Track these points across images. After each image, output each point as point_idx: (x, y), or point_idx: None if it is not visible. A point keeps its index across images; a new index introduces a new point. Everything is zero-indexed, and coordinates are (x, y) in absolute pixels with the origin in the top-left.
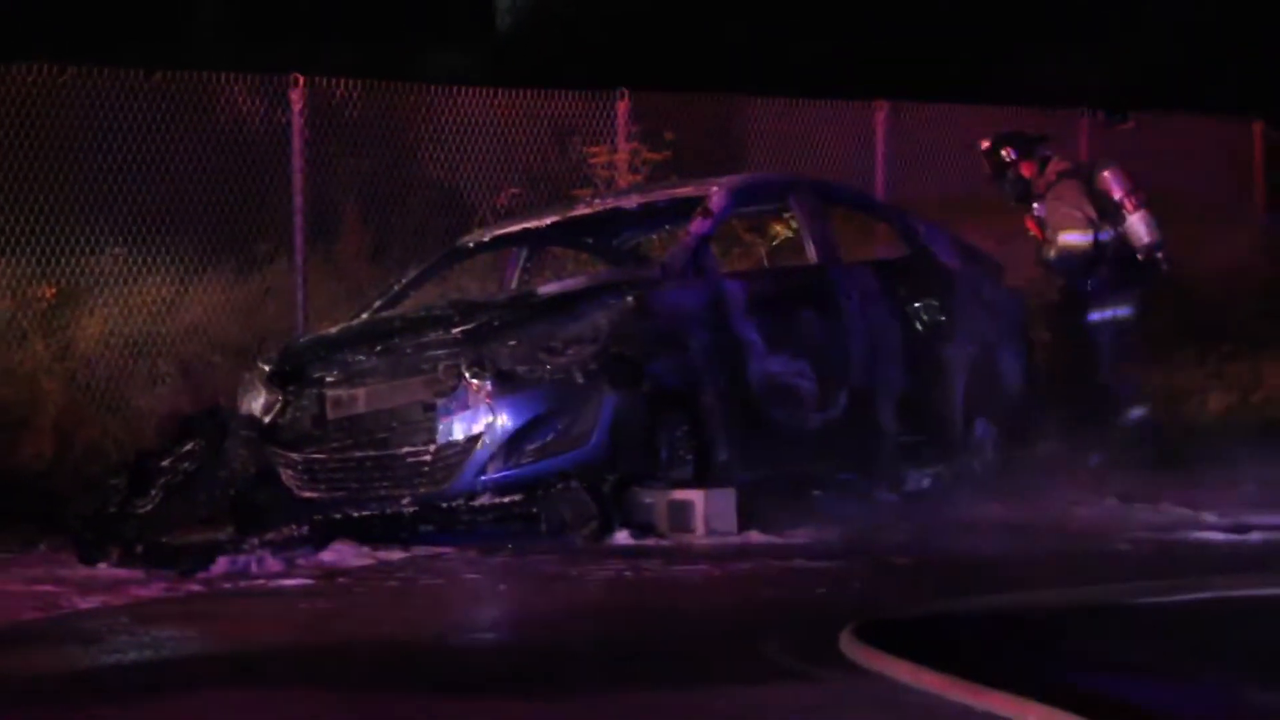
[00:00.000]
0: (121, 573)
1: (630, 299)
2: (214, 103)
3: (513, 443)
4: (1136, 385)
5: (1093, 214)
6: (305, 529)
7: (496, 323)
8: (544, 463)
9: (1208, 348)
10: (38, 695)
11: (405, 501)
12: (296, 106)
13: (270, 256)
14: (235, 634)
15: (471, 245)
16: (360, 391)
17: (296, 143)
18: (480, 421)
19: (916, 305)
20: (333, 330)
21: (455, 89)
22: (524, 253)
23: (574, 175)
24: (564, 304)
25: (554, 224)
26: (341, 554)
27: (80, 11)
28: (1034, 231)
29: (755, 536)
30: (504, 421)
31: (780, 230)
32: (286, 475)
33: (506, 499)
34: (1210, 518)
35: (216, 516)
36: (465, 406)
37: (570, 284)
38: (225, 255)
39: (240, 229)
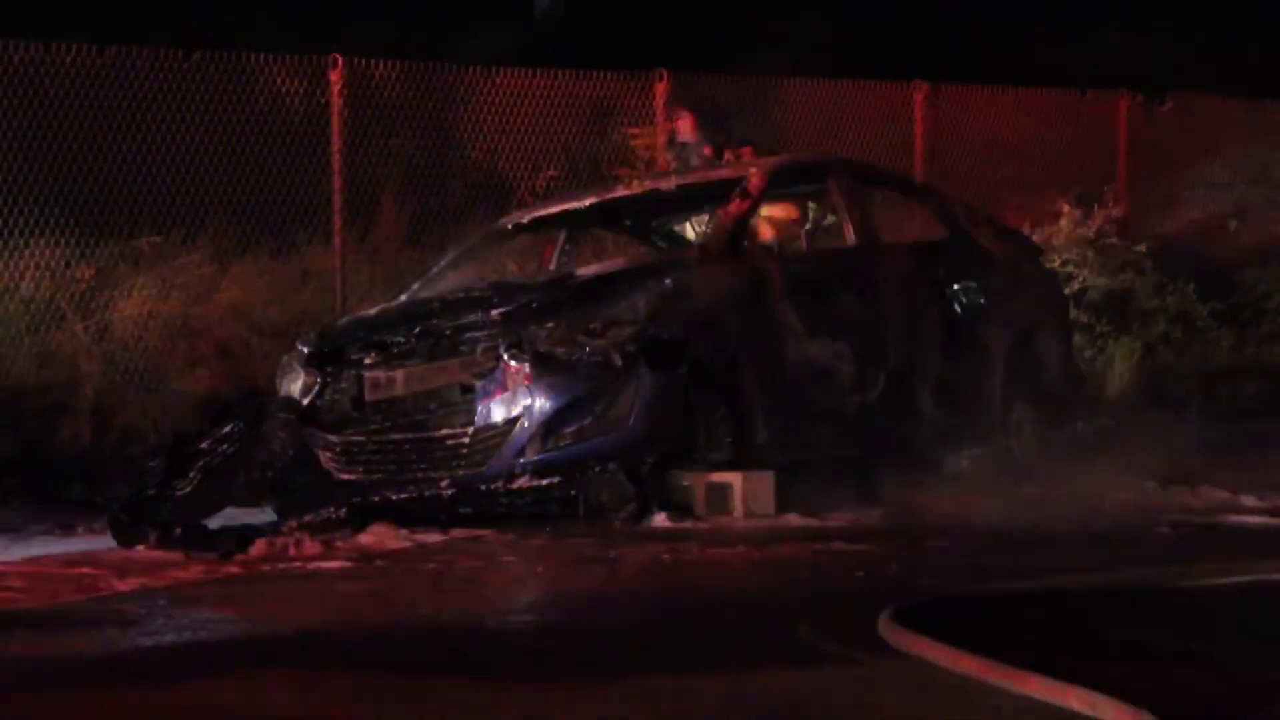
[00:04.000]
0: (160, 555)
1: (669, 281)
2: (253, 83)
3: (551, 425)
4: None
5: None
6: (343, 511)
7: (535, 304)
8: (582, 445)
9: (1245, 331)
10: (76, 677)
11: (443, 484)
12: (336, 87)
13: (309, 238)
14: (273, 616)
15: (510, 227)
16: (399, 373)
17: (335, 123)
18: (519, 404)
19: (955, 288)
20: (371, 312)
21: (494, 69)
22: (563, 234)
23: (614, 156)
24: (602, 286)
25: (593, 206)
26: (380, 536)
27: None
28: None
29: (793, 519)
30: (542, 404)
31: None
32: (325, 457)
33: (544, 481)
34: (1249, 501)
35: (254, 499)
36: (504, 388)
37: (609, 266)
38: (263, 237)
39: (279, 210)
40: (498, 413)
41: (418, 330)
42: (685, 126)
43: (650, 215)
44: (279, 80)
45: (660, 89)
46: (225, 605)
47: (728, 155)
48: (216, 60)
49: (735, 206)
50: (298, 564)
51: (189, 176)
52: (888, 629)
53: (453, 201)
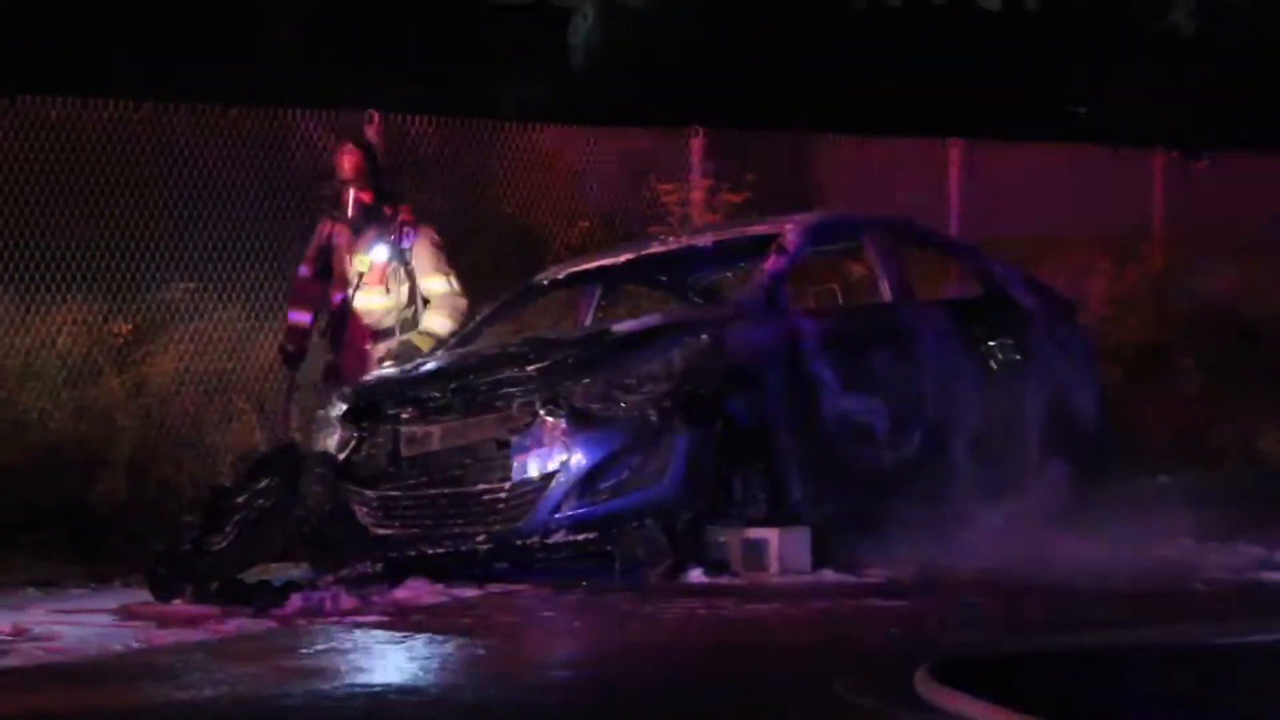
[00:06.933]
0: (196, 609)
1: (705, 337)
2: (289, 137)
3: (587, 480)
4: None
5: None
6: (379, 566)
7: (571, 360)
8: (618, 500)
9: None
10: None
11: (480, 539)
12: (372, 142)
13: None
14: (308, 671)
15: (546, 282)
16: (435, 429)
17: None
18: (555, 459)
19: (991, 344)
20: (407, 367)
21: (529, 125)
22: (599, 290)
23: (649, 212)
24: (639, 342)
25: (629, 261)
26: (416, 591)
27: (154, 43)
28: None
29: (829, 575)
30: (579, 459)
31: (856, 269)
32: (361, 512)
33: (581, 537)
34: None
35: (291, 553)
36: (540, 444)
37: (645, 322)
38: None
39: None
40: (534, 468)
41: (454, 385)
42: (348, 164)
43: (687, 271)
44: (315, 135)
45: (696, 145)
46: (262, 660)
47: (387, 210)
48: (253, 116)
49: (771, 263)
50: (334, 619)
51: (225, 231)
52: (924, 685)
53: (488, 256)
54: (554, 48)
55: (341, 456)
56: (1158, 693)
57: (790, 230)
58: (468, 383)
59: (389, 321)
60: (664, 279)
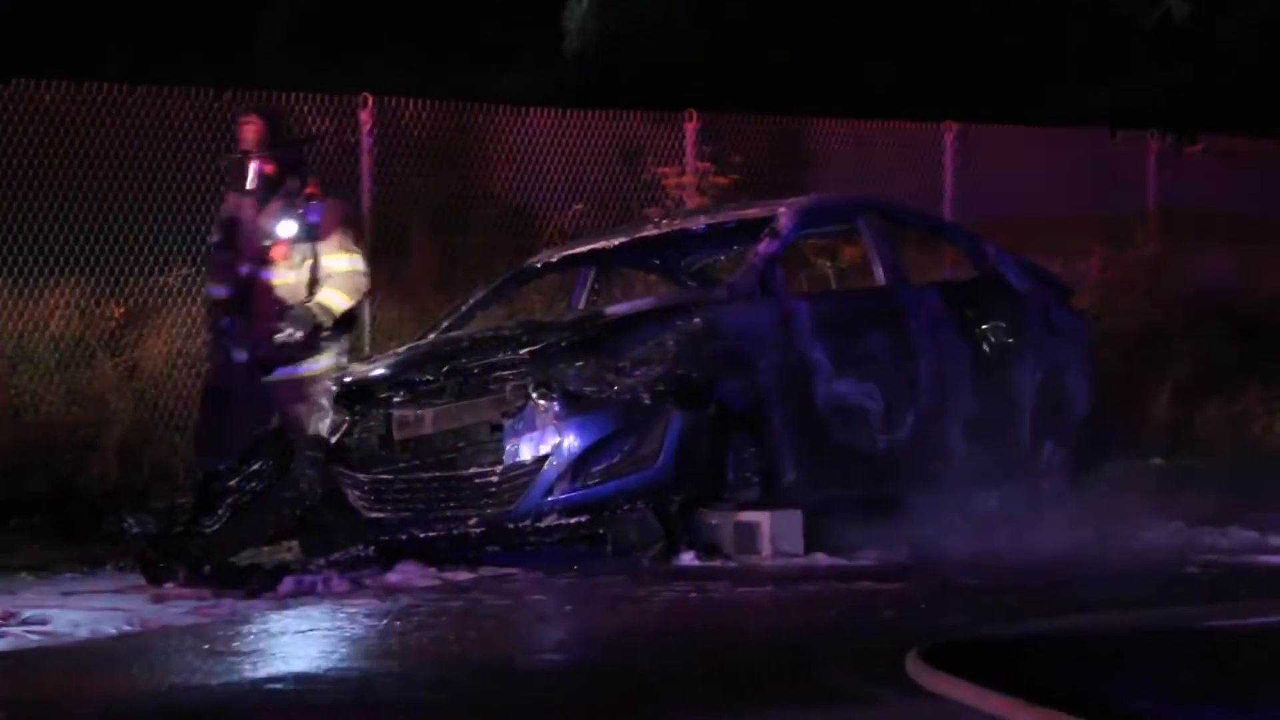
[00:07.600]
0: (189, 593)
1: (698, 320)
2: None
3: (580, 463)
4: None
5: None
6: (371, 549)
7: (564, 343)
8: (611, 484)
9: (1275, 371)
10: (104, 716)
11: (472, 522)
12: (366, 127)
13: None
14: (301, 654)
15: (539, 265)
16: (427, 412)
17: (365, 162)
18: (547, 442)
19: (984, 327)
20: (400, 350)
21: (523, 110)
22: (592, 273)
23: (642, 196)
24: (631, 325)
25: (622, 245)
26: (408, 574)
27: (149, 29)
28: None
29: (821, 558)
30: (571, 442)
31: (849, 252)
32: (353, 496)
33: (573, 520)
34: (1277, 541)
35: (283, 536)
36: (533, 427)
37: (638, 305)
38: None
39: None
40: (526, 451)
41: (446, 369)
42: (249, 133)
43: (680, 254)
44: (309, 119)
45: (690, 129)
46: (253, 643)
47: (294, 182)
48: (248, 99)
49: (764, 246)
50: (326, 602)
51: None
52: (916, 668)
53: (481, 240)
54: (550, 32)
55: (334, 440)
56: (1147, 675)
57: (783, 213)
58: (460, 366)
59: (297, 297)
60: (657, 262)
